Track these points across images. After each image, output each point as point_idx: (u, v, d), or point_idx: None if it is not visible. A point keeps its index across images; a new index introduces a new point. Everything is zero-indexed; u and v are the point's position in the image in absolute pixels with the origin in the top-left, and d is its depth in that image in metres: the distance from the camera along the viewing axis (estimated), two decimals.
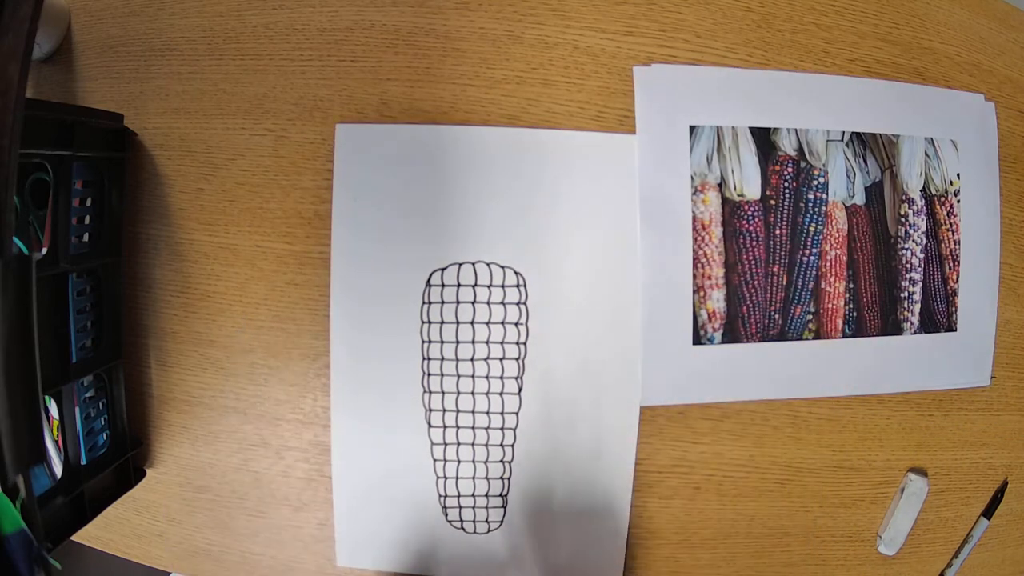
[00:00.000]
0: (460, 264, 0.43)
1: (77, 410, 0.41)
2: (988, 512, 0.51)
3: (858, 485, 0.49)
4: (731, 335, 0.45)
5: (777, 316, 0.46)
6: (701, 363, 0.45)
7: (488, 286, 0.43)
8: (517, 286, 0.44)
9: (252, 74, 0.44)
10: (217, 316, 0.45)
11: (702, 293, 0.45)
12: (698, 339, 0.45)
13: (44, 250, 0.37)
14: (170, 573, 0.61)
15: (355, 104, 0.43)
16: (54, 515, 0.39)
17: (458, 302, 0.43)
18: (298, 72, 0.44)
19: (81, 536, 0.43)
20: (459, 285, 0.43)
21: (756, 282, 0.45)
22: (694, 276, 0.45)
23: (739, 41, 0.45)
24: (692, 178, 0.45)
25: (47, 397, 0.39)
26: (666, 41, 0.45)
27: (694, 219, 0.45)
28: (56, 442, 0.41)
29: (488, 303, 0.44)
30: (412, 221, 0.43)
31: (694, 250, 0.45)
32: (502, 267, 0.43)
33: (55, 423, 0.41)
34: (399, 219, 0.43)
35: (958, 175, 0.48)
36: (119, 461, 0.44)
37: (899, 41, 0.48)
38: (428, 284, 0.43)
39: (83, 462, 0.41)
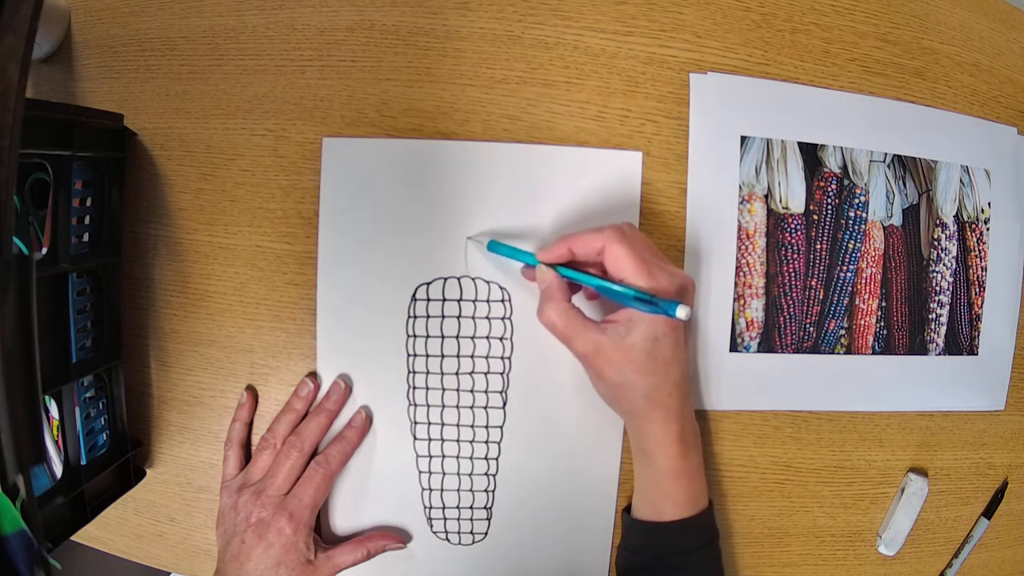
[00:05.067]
0: (445, 279, 0.43)
1: (77, 410, 0.41)
2: (988, 512, 0.51)
3: (858, 485, 0.49)
4: (767, 345, 0.46)
5: (812, 329, 0.46)
6: (736, 370, 0.46)
7: (473, 300, 0.44)
8: (502, 301, 0.44)
9: (252, 74, 0.44)
10: (217, 316, 0.45)
11: (742, 301, 0.45)
12: (735, 346, 0.46)
13: (44, 250, 0.37)
14: (170, 573, 0.61)
15: (355, 104, 0.43)
16: (54, 515, 0.39)
17: (443, 316, 0.43)
18: (298, 72, 0.44)
19: (81, 536, 0.43)
20: (444, 299, 0.43)
21: (795, 294, 0.46)
22: (735, 284, 0.45)
23: (739, 41, 0.45)
24: (740, 187, 0.45)
25: (47, 397, 0.39)
26: (666, 41, 0.45)
27: (739, 228, 0.45)
28: (56, 442, 0.41)
29: (473, 317, 0.44)
30: (399, 235, 0.43)
31: (737, 259, 0.45)
32: (487, 282, 0.43)
33: (55, 423, 0.41)
34: (386, 233, 0.43)
35: (989, 204, 0.49)
36: (119, 461, 0.44)
37: (899, 41, 0.48)
38: (414, 298, 0.43)
39: (83, 462, 0.41)
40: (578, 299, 0.42)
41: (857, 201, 0.47)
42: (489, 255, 0.42)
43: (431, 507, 0.45)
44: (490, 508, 0.45)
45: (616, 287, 0.36)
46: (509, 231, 0.43)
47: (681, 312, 0.34)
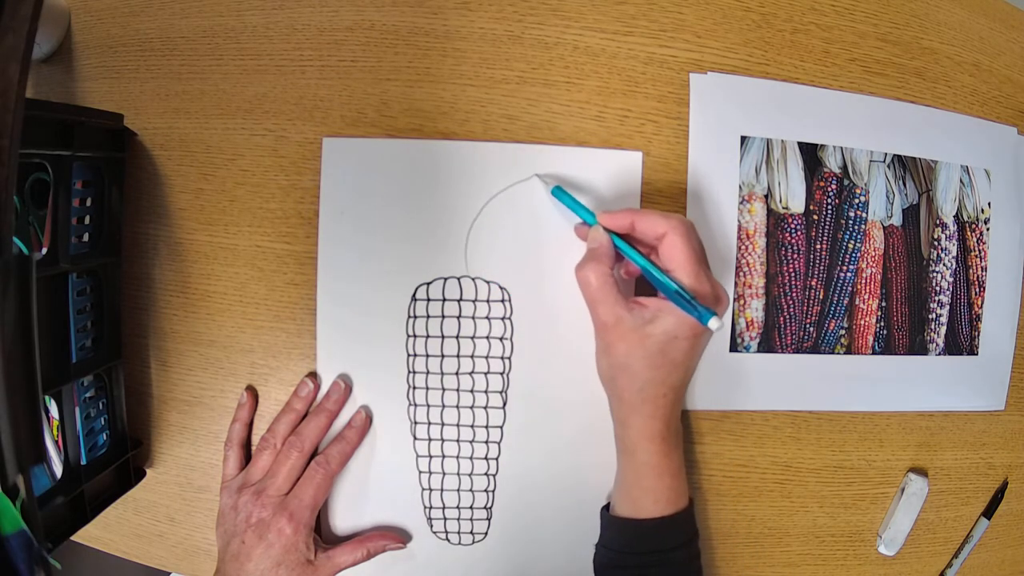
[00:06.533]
0: (445, 279, 0.43)
1: (77, 410, 0.41)
2: (988, 512, 0.51)
3: (858, 485, 0.49)
4: (767, 345, 0.46)
5: (812, 329, 0.47)
6: (736, 370, 0.46)
7: (473, 300, 0.44)
8: (502, 301, 0.44)
9: (252, 74, 0.44)
10: (217, 316, 0.45)
11: (742, 301, 0.45)
12: (735, 346, 0.46)
13: (44, 250, 0.37)
14: (170, 573, 0.61)
15: (355, 104, 0.43)
16: (54, 515, 0.39)
17: (443, 316, 0.43)
18: (298, 72, 0.44)
19: (81, 536, 0.43)
20: (444, 299, 0.43)
21: (795, 294, 0.46)
22: (735, 284, 0.45)
23: (739, 41, 0.45)
24: (740, 187, 0.45)
25: (47, 397, 0.39)
26: (666, 41, 0.45)
27: (739, 228, 0.45)
28: (56, 442, 0.41)
29: (473, 317, 0.44)
30: (398, 235, 0.43)
31: (737, 259, 0.45)
32: (487, 282, 0.43)
33: (55, 423, 0.41)
34: (386, 233, 0.43)
35: (989, 204, 0.49)
36: (119, 461, 0.44)
37: (899, 41, 0.48)
38: (414, 298, 0.43)
39: (83, 462, 0.41)
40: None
41: (857, 201, 0.47)
42: (551, 199, 0.42)
43: (431, 507, 0.45)
44: (490, 508, 0.45)
45: (662, 275, 0.37)
46: (511, 228, 0.43)
47: (713, 323, 0.35)
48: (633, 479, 0.40)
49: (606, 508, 0.43)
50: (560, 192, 0.41)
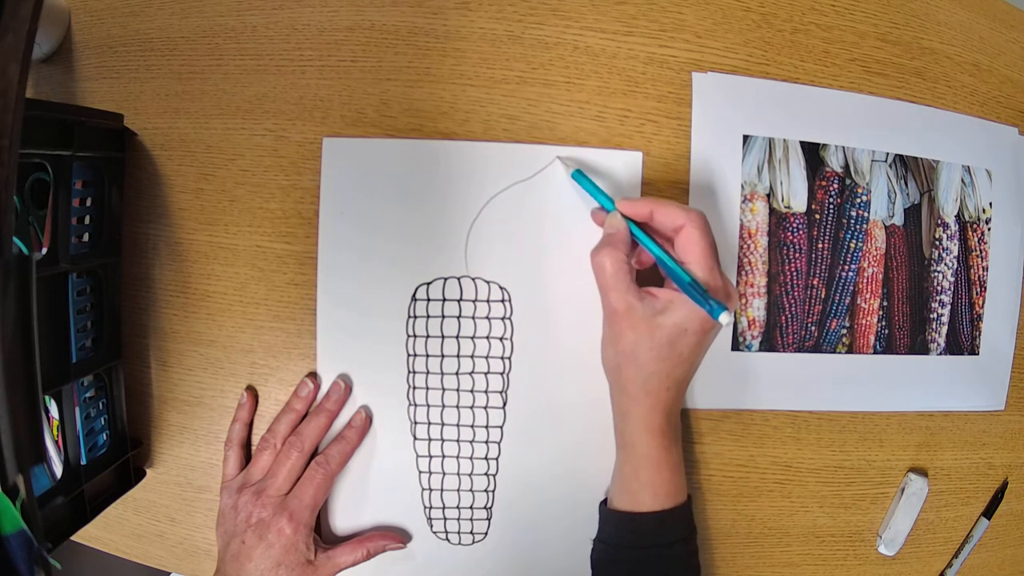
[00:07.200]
0: (445, 279, 0.43)
1: (77, 410, 0.41)
2: (988, 512, 0.51)
3: (858, 485, 0.49)
4: (768, 344, 0.46)
5: (813, 328, 0.47)
6: (737, 369, 0.46)
7: (473, 300, 0.44)
8: (502, 301, 0.44)
9: (252, 74, 0.44)
10: (217, 316, 0.45)
11: (744, 300, 0.46)
12: (736, 345, 0.46)
13: (44, 250, 0.37)
14: (170, 573, 0.61)
15: (355, 104, 0.43)
16: (54, 515, 0.39)
17: (443, 316, 0.43)
18: (298, 72, 0.44)
19: (81, 536, 0.43)
20: (444, 299, 0.43)
21: (796, 293, 0.46)
22: (737, 283, 0.45)
23: (739, 41, 0.45)
24: (742, 187, 0.45)
25: (47, 397, 0.39)
26: (666, 41, 0.45)
27: (741, 227, 0.45)
28: (56, 442, 0.41)
29: (473, 317, 0.44)
30: (398, 235, 0.43)
31: (739, 257, 0.45)
32: (487, 282, 0.43)
33: (55, 423, 0.41)
34: (386, 233, 0.43)
35: (990, 204, 0.49)
36: (119, 461, 0.44)
37: (899, 41, 0.48)
38: (414, 298, 0.43)
39: (83, 462, 0.41)
40: None
41: (859, 200, 0.47)
42: (571, 181, 0.42)
43: (431, 507, 0.45)
44: (490, 508, 0.45)
45: (677, 267, 0.37)
46: (511, 228, 0.43)
47: (724, 317, 0.35)
48: (632, 473, 0.40)
49: (604, 503, 0.43)
50: (580, 176, 0.41)
